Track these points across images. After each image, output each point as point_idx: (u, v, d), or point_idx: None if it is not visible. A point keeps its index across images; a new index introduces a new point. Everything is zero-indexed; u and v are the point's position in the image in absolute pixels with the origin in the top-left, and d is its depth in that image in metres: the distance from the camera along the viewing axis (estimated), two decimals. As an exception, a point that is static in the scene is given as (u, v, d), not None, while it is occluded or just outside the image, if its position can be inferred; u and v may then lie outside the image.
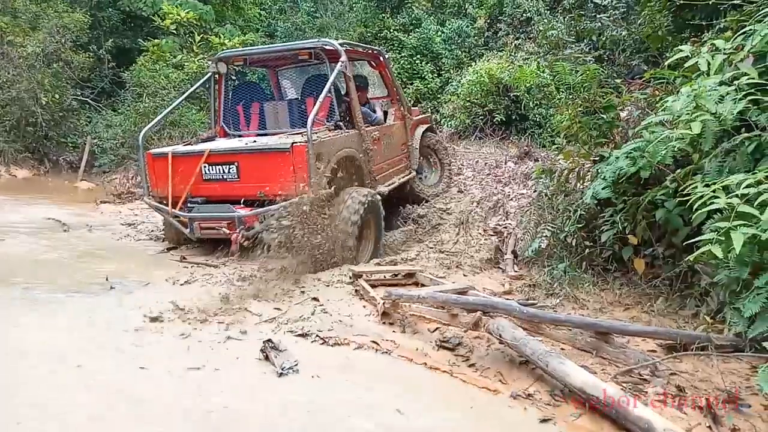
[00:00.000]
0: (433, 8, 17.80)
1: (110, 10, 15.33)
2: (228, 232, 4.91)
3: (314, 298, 4.14)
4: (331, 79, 5.20)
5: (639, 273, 3.99)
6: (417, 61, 14.24)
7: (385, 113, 6.89)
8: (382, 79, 6.94)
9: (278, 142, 4.91)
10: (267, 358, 3.21)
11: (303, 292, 4.30)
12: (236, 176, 4.97)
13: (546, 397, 2.79)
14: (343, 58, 5.44)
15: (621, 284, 4.14)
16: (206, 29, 14.55)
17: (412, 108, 7.68)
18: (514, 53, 12.16)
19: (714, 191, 2.81)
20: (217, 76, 6.09)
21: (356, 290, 4.32)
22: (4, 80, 11.19)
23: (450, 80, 13.74)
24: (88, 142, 11.64)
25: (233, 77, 6.69)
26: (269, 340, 3.30)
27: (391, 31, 14.99)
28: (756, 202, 2.57)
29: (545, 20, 11.31)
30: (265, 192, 4.81)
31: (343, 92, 5.94)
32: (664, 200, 3.70)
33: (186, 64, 12.45)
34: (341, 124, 5.64)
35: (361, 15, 17.07)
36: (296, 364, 3.12)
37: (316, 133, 4.94)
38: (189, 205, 5.18)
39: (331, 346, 3.45)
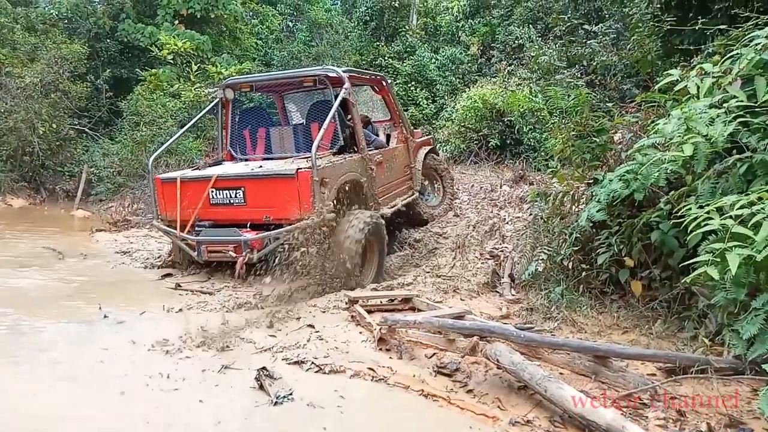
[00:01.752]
0: (427, 36, 18.12)
1: (108, 41, 15.55)
2: (234, 255, 4.96)
3: (310, 325, 4.10)
4: (335, 105, 5.27)
5: (636, 295, 3.97)
6: (412, 88, 14.43)
7: (388, 136, 6.99)
8: (385, 103, 7.06)
9: (283, 168, 4.99)
10: (262, 387, 3.17)
11: (299, 318, 4.25)
12: (243, 201, 5.07)
13: (545, 424, 2.75)
14: (347, 84, 5.56)
15: (618, 307, 4.11)
16: (203, 59, 14.73)
17: (415, 130, 7.79)
18: (507, 79, 12.34)
19: (708, 213, 2.82)
20: (224, 101, 6.20)
21: (352, 316, 4.28)
22: (2, 110, 11.27)
23: (444, 106, 13.91)
24: (85, 171, 11.67)
25: (240, 103, 6.83)
26: (264, 368, 3.26)
27: (386, 58, 15.23)
28: (750, 223, 2.58)
29: (537, 46, 11.50)
30: (270, 216, 4.93)
31: (346, 118, 6.01)
32: (659, 222, 3.71)
33: (183, 93, 12.57)
34: (345, 148, 5.73)
35: (356, 43, 17.35)
36: (291, 393, 3.07)
37: (320, 158, 5.00)
38: (197, 228, 5.24)
39: (327, 373, 3.40)
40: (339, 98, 5.40)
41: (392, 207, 6.25)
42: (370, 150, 6.01)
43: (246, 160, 6.12)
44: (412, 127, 7.52)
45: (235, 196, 5.08)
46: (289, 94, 7.21)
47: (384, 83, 6.81)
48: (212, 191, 5.14)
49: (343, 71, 5.77)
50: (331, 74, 5.72)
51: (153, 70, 13.54)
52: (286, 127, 6.33)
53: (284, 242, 4.81)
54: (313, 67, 16.87)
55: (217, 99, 6.22)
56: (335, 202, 5.05)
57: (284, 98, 7.32)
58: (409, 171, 7.13)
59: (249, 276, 5.19)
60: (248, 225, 5.07)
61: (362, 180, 5.66)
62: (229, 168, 5.65)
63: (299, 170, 4.77)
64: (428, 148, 7.71)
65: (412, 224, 7.35)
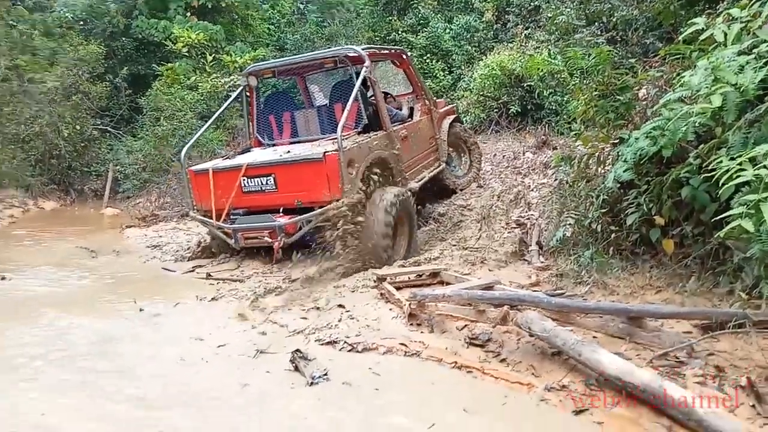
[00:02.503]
0: (440, 6, 17.74)
1: (123, 39, 15.67)
2: (270, 240, 5.07)
3: (340, 305, 4.14)
4: (357, 85, 5.31)
5: (668, 254, 3.87)
6: (427, 61, 14.20)
7: (411, 109, 6.96)
8: (406, 76, 7.03)
9: (311, 152, 5.04)
10: (297, 368, 3.22)
11: (329, 300, 4.29)
12: (274, 187, 5.16)
13: (581, 388, 2.73)
14: (367, 63, 5.54)
15: (651, 267, 4.02)
16: (217, 48, 14.75)
17: (438, 100, 7.73)
18: (525, 43, 12.01)
19: (740, 164, 2.71)
20: (248, 89, 6.26)
21: (381, 294, 4.30)
22: (27, 116, 11.52)
23: (462, 76, 13.66)
24: (111, 169, 11.89)
25: (263, 89, 6.86)
26: (298, 350, 3.31)
27: (400, 32, 14.99)
28: (785, 172, 2.47)
29: (553, 6, 11.16)
30: (301, 200, 5.03)
31: (369, 95, 6.00)
32: (689, 178, 3.59)
33: (200, 84, 12.64)
34: (369, 126, 5.76)
35: (369, 20, 17.11)
36: (326, 373, 3.12)
37: (345, 138, 5.05)
38: (232, 216, 5.36)
39: (360, 352, 3.44)
40: (360, 77, 5.40)
41: (419, 180, 6.27)
42: (394, 125, 6.01)
43: (274, 145, 6.21)
44: (434, 98, 7.45)
45: (267, 183, 5.17)
46: (311, 75, 7.23)
47: (404, 56, 6.79)
48: (244, 179, 5.22)
49: (363, 49, 5.76)
50: (350, 54, 5.71)
51: (169, 64, 13.62)
52: (311, 109, 6.37)
53: (317, 225, 4.95)
54: (326, 47, 16.79)
55: (241, 87, 6.28)
56: (363, 180, 5.12)
57: (306, 79, 7.36)
58: (434, 142, 7.12)
59: (285, 259, 5.32)
60: (281, 210, 5.17)
61: (388, 157, 5.68)
62: (258, 155, 5.73)
63: (326, 153, 4.83)
64: (452, 117, 7.65)
65: (439, 195, 7.34)
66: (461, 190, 7.50)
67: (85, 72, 12.68)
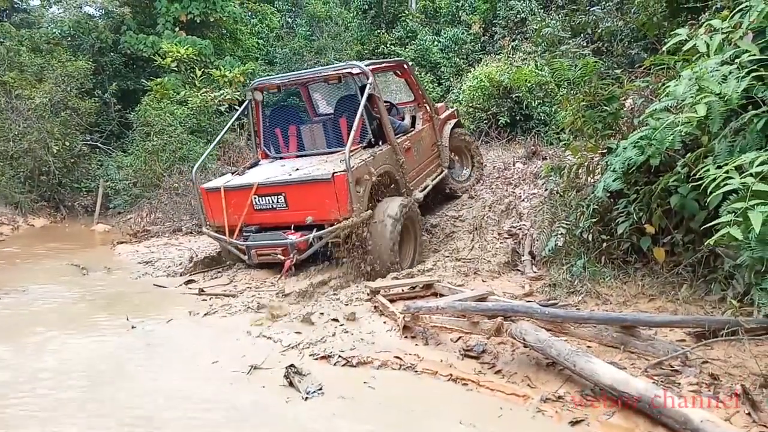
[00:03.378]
0: (427, 19, 17.93)
1: (112, 54, 15.65)
2: (282, 257, 5.17)
3: (334, 319, 4.12)
4: (363, 103, 5.40)
5: (660, 262, 3.90)
6: (416, 73, 14.30)
7: (413, 118, 7.04)
8: (408, 85, 7.14)
9: (320, 172, 5.13)
10: (291, 383, 3.20)
11: (322, 313, 4.28)
12: (285, 205, 5.27)
13: (577, 398, 2.74)
14: (371, 80, 5.64)
15: (643, 275, 4.06)
16: (206, 63, 14.77)
17: (439, 105, 7.85)
18: (512, 55, 12.14)
19: (727, 172, 2.75)
20: (254, 103, 6.38)
21: (375, 306, 4.29)
22: (16, 133, 11.41)
23: (451, 88, 13.76)
24: (101, 185, 11.81)
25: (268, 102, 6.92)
26: (292, 365, 3.29)
27: (388, 45, 15.12)
28: (771, 179, 2.51)
29: (539, 19, 11.29)
30: (312, 218, 5.16)
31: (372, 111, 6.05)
32: (678, 186, 3.63)
33: (190, 99, 12.62)
34: (373, 140, 5.88)
35: (357, 33, 17.24)
36: (321, 388, 3.11)
37: (351, 155, 5.15)
38: (244, 233, 5.48)
39: (355, 365, 3.43)
40: (365, 95, 5.48)
41: (423, 190, 6.41)
42: (397, 137, 6.12)
43: (281, 158, 6.36)
44: (435, 105, 7.56)
45: (277, 201, 5.29)
46: (315, 84, 7.28)
47: (405, 66, 6.91)
48: (255, 197, 5.34)
49: (366, 65, 5.85)
50: (354, 71, 5.84)
51: (158, 80, 13.60)
52: (316, 123, 6.49)
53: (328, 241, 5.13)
54: (315, 60, 16.83)
55: (247, 101, 6.39)
56: (370, 195, 5.28)
57: (309, 88, 7.48)
58: (436, 149, 7.24)
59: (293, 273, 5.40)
60: (292, 227, 5.28)
61: (393, 170, 5.82)
62: (266, 170, 5.84)
63: (335, 174, 4.95)
64: (453, 121, 7.77)
65: (443, 198, 7.50)
66: (464, 192, 7.66)
67: (74, 88, 12.61)
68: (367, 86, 5.59)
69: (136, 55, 15.38)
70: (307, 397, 3.03)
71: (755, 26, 3.21)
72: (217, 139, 6.90)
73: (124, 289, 5.85)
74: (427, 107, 7.12)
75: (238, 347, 3.88)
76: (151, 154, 11.19)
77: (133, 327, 4.48)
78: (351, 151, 5.10)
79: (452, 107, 8.92)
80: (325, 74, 6.04)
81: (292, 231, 5.26)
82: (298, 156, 6.23)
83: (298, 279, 5.34)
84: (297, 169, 5.46)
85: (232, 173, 6.05)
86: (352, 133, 5.18)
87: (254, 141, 6.67)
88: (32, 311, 5.19)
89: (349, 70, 5.87)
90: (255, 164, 6.30)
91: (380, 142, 5.90)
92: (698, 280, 3.68)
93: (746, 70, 3.07)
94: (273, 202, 5.30)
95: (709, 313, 3.34)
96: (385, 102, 6.47)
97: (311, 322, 4.14)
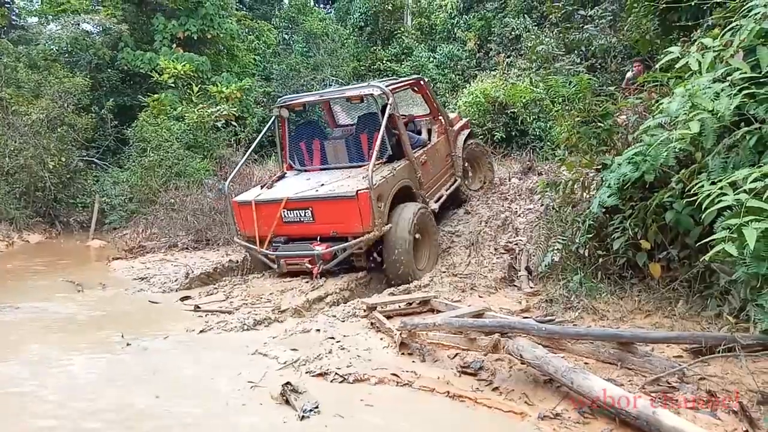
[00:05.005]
0: (423, 36, 18.11)
1: (109, 70, 15.72)
2: (310, 266, 5.60)
3: (330, 337, 4.10)
4: (383, 123, 5.76)
5: (656, 278, 3.92)
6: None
7: (429, 131, 7.37)
8: (424, 100, 7.43)
9: (345, 189, 5.52)
10: (287, 401, 3.17)
11: (318, 330, 4.26)
12: (312, 219, 5.68)
13: (574, 416, 2.73)
14: (391, 100, 5.95)
15: (639, 291, 4.07)
16: (204, 79, 14.84)
17: (453, 116, 8.15)
18: (507, 71, 12.27)
19: (721, 188, 2.78)
20: (280, 120, 6.78)
21: (372, 323, 4.28)
22: (12, 149, 11.41)
23: (446, 104, 13.86)
24: (97, 201, 11.78)
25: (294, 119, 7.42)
26: (288, 383, 3.26)
27: (384, 62, 15.25)
28: (765, 196, 2.54)
29: (534, 36, 11.43)
30: (337, 231, 5.56)
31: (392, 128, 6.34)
32: (672, 202, 3.66)
33: (187, 115, 12.66)
34: (392, 155, 6.21)
35: (353, 50, 17.39)
36: (317, 406, 3.08)
37: (374, 169, 5.51)
38: (273, 243, 5.88)
39: (351, 383, 3.40)
40: (386, 115, 5.82)
41: (438, 200, 6.73)
42: (415, 151, 6.45)
43: (305, 170, 6.73)
44: (449, 116, 7.83)
45: (305, 215, 5.69)
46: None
47: (422, 83, 7.22)
48: (284, 211, 5.73)
49: (386, 85, 6.19)
50: (376, 92, 6.15)
51: (155, 96, 13.65)
52: (339, 139, 6.86)
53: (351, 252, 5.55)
54: (312, 76, 16.93)
55: (274, 117, 6.79)
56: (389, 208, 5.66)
57: (331, 102, 7.79)
58: (450, 160, 7.53)
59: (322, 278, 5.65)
60: (318, 238, 5.67)
61: (411, 184, 6.17)
62: (293, 183, 6.23)
63: (359, 191, 5.33)
64: (467, 132, 8.04)
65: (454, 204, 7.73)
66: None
67: (71, 104, 12.66)
68: (388, 107, 5.90)
69: (134, 72, 15.45)
70: (303, 416, 3.00)
71: (746, 45, 3.26)
72: (248, 152, 7.37)
73: (118, 305, 5.81)
74: (442, 120, 7.42)
75: (235, 364, 3.84)
76: (147, 170, 11.21)
77: (128, 344, 4.43)
78: (373, 168, 5.44)
79: (466, 117, 9.12)
80: (348, 94, 6.38)
81: (318, 242, 5.63)
82: (322, 169, 6.59)
83: (294, 295, 5.32)
84: (322, 184, 5.82)
85: (261, 186, 6.40)
86: (374, 152, 5.55)
87: (280, 155, 7.11)
88: (26, 328, 5.14)
89: (370, 92, 6.19)
90: (282, 177, 6.67)
91: (399, 157, 6.22)
92: (694, 296, 3.69)
93: (738, 87, 3.12)
94: (301, 215, 5.69)
95: (706, 329, 3.35)
96: (404, 116, 6.84)
97: (307, 339, 4.12)
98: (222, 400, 3.34)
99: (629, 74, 8.54)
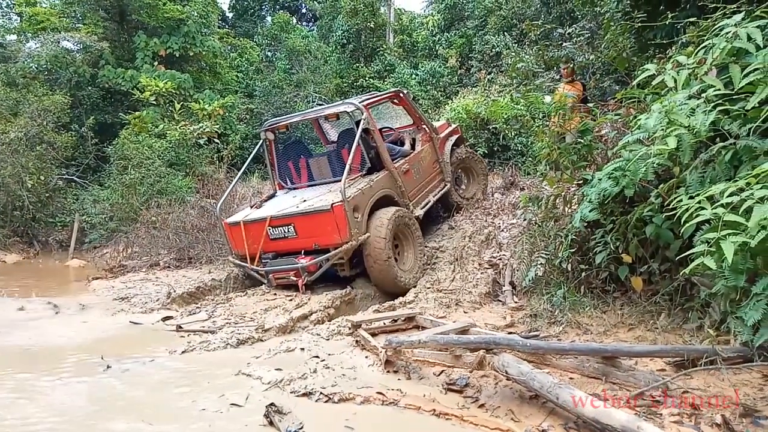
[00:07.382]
0: (405, 53, 18.31)
1: (90, 88, 15.62)
2: (295, 278, 5.93)
3: (315, 355, 4.06)
4: (357, 135, 6.05)
5: (638, 291, 3.96)
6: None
7: (413, 140, 7.51)
8: (406, 111, 7.66)
9: (321, 203, 5.77)
10: (272, 423, 3.12)
11: (303, 349, 4.22)
12: (295, 234, 5.96)
13: (561, 431, 2.72)
14: (365, 115, 6.25)
15: (621, 304, 4.10)
16: (186, 96, 14.81)
17: (440, 124, 8.39)
18: (488, 87, 12.44)
19: (699, 202, 2.83)
20: (268, 142, 7.10)
21: (356, 341, 4.25)
22: (-11, 168, 11.25)
23: (430, 119, 13.98)
24: (77, 220, 11.62)
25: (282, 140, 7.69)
26: (272, 404, 3.22)
27: (367, 79, 15.36)
28: (741, 210, 2.58)
29: (513, 53, 11.62)
30: (318, 243, 5.81)
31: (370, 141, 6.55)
32: (652, 216, 3.71)
33: (168, 132, 12.60)
34: (373, 167, 6.44)
35: (336, 67, 17.50)
36: (302, 427, 3.03)
37: (350, 185, 5.84)
38: (263, 260, 6.22)
39: (337, 402, 3.36)
40: (360, 129, 6.10)
41: (425, 206, 6.95)
42: (397, 161, 6.69)
43: (294, 188, 7.05)
44: (433, 125, 7.98)
45: (288, 231, 5.98)
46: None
47: (401, 95, 7.44)
48: (269, 228, 6.05)
49: (361, 101, 6.48)
50: (349, 108, 6.41)
51: (137, 113, 13.58)
52: (322, 156, 7.18)
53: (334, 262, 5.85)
54: (295, 93, 16.97)
55: (261, 140, 7.09)
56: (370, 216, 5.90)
57: (318, 120, 8.09)
58: (438, 166, 7.66)
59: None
60: (302, 252, 5.94)
61: (392, 193, 6.41)
62: (279, 202, 6.55)
63: (334, 204, 5.60)
64: (455, 137, 8.19)
65: (446, 210, 8.00)
66: (467, 204, 8.08)
67: (50, 122, 12.55)
68: (362, 121, 6.19)
69: (115, 89, 15.39)
70: (287, 437, 2.95)
71: (719, 62, 3.35)
72: (239, 174, 7.65)
73: (98, 326, 5.70)
74: (426, 128, 7.57)
75: (218, 385, 3.78)
76: (128, 188, 11.09)
77: (108, 367, 4.34)
78: (351, 180, 5.75)
79: (455, 123, 9.33)
80: (325, 113, 6.75)
81: (303, 256, 5.93)
82: (309, 186, 6.93)
83: (277, 314, 5.28)
84: (304, 201, 6.11)
85: (251, 207, 6.77)
86: (347, 166, 5.78)
87: (271, 175, 7.44)
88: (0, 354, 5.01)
89: (344, 109, 6.47)
90: (272, 196, 7.03)
91: (380, 169, 6.42)
92: (676, 309, 3.73)
93: (713, 103, 3.19)
94: (284, 231, 5.99)
95: (688, 342, 3.38)
96: (386, 128, 7.20)
97: (291, 358, 4.07)
98: (206, 422, 3.27)
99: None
